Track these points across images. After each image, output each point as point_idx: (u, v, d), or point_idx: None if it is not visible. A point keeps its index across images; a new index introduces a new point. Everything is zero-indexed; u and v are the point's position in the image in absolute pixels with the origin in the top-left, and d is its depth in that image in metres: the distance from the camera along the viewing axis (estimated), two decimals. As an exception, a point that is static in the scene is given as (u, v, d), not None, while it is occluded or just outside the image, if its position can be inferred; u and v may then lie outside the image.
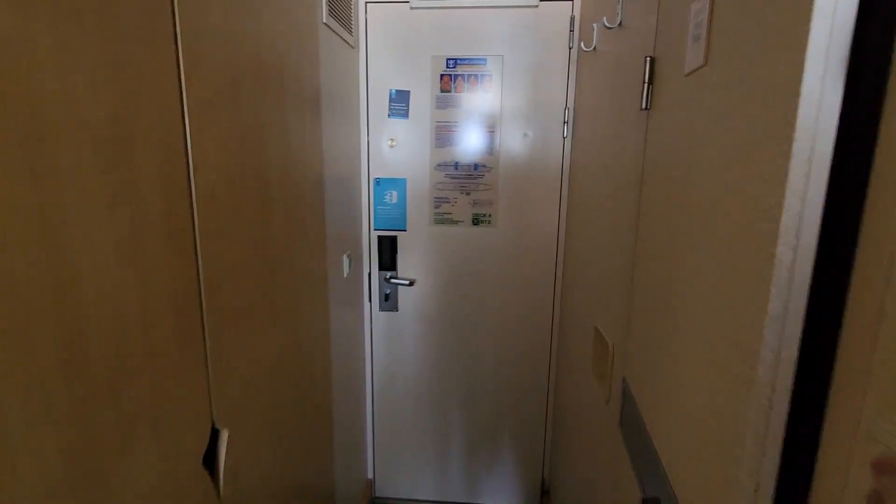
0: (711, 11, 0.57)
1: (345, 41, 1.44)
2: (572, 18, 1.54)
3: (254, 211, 0.86)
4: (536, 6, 1.54)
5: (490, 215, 1.69)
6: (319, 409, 1.31)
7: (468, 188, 1.68)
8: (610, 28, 1.09)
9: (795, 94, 0.37)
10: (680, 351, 0.61)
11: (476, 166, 1.67)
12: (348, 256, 1.54)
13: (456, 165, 1.67)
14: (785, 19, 0.39)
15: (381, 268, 1.75)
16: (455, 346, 1.81)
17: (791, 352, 0.40)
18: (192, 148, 0.65)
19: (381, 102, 1.64)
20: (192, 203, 0.65)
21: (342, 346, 1.51)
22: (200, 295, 0.69)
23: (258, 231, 0.88)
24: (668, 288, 0.68)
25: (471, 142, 1.65)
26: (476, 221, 1.70)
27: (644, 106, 0.85)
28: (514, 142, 1.64)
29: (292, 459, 1.10)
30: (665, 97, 0.75)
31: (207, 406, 0.73)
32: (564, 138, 1.62)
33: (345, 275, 1.51)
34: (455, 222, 1.71)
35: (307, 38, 1.13)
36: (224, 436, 0.76)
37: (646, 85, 0.84)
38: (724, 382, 0.48)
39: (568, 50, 1.56)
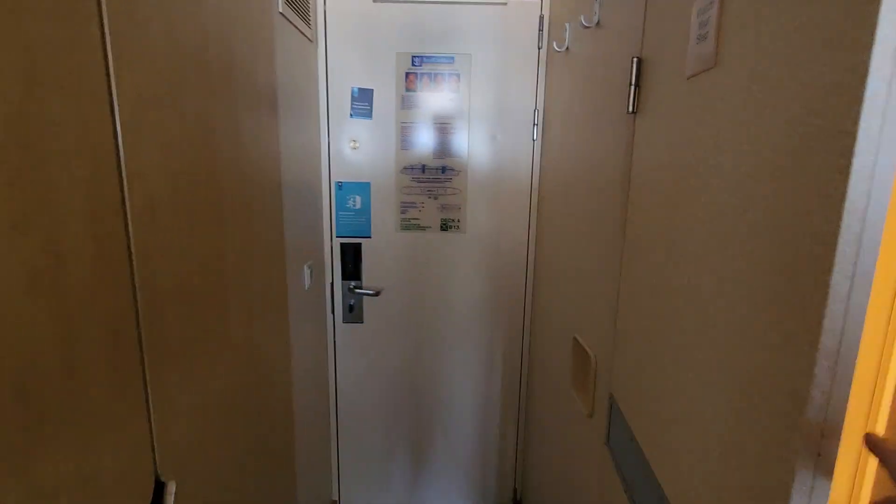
0: (721, 11, 0.53)
1: (303, 34, 1.33)
2: (541, 17, 1.50)
3: (203, 224, 0.75)
4: (505, 3, 1.49)
5: (459, 220, 1.63)
6: (280, 435, 1.19)
7: (436, 192, 1.61)
8: (587, 27, 1.05)
9: (856, 99, 0.32)
10: (690, 379, 0.57)
11: (444, 169, 1.60)
12: (309, 267, 1.43)
13: (423, 168, 1.59)
14: (839, 16, 0.34)
15: (344, 277, 1.64)
16: (424, 358, 1.73)
17: (843, 392, 0.35)
18: (125, 153, 0.54)
19: (342, 101, 1.54)
20: (126, 219, 0.54)
21: (304, 364, 1.40)
22: (139, 327, 0.58)
23: (209, 247, 0.77)
24: (671, 308, 0.63)
25: (438, 144, 1.58)
26: (445, 227, 1.63)
27: (631, 109, 0.81)
28: (483, 144, 1.58)
29: (251, 494, 0.99)
30: (659, 100, 0.71)
31: (150, 457, 0.62)
32: (534, 141, 1.58)
33: (306, 287, 1.40)
34: (423, 228, 1.63)
35: (260, 29, 1.02)
36: (171, 488, 0.65)
37: (632, 87, 0.80)
38: (757, 423, 0.43)
39: (537, 50, 1.52)
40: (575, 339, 1.14)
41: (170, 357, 0.65)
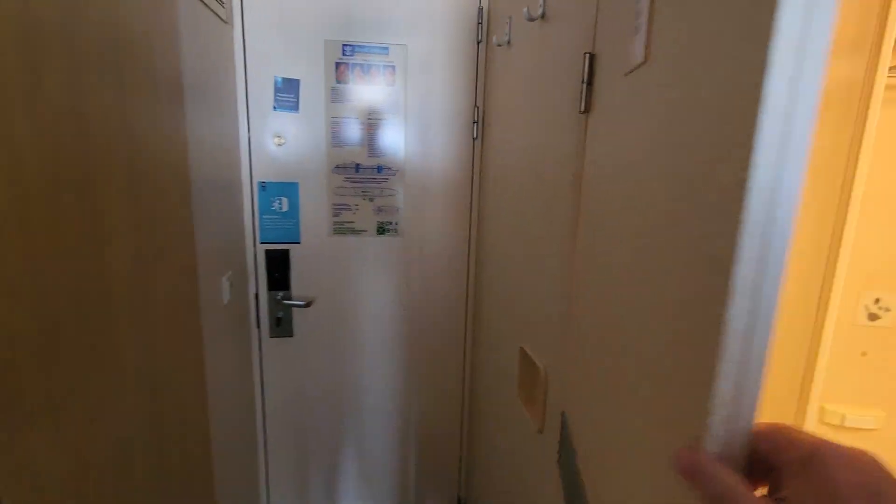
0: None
1: (214, 13, 1.16)
2: (480, 10, 1.42)
3: (76, 239, 0.60)
4: (443, -8, 1.40)
5: (397, 223, 1.52)
6: (196, 480, 1.03)
7: (372, 193, 1.49)
8: (532, 20, 0.99)
9: (753, 100, 0.27)
10: (626, 402, 0.51)
11: (380, 168, 1.48)
12: (229, 279, 1.27)
13: (357, 168, 1.47)
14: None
15: (270, 288, 1.48)
16: (360, 370, 1.61)
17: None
18: (-63, 150, 0.39)
19: (264, 92, 1.38)
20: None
21: (224, 388, 1.24)
22: (-29, 385, 0.43)
23: (83, 265, 0.62)
24: (624, 321, 0.58)
25: (373, 141, 1.46)
26: (381, 230, 1.52)
27: (582, 108, 0.75)
28: (421, 142, 1.49)
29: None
30: (606, 99, 0.65)
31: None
32: (475, 139, 1.51)
33: (225, 301, 1.24)
34: (357, 232, 1.51)
35: (158, 3, 0.85)
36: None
37: (584, 85, 0.74)
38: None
39: (476, 44, 1.45)
40: (522, 349, 1.08)
41: (29, 420, 0.50)
